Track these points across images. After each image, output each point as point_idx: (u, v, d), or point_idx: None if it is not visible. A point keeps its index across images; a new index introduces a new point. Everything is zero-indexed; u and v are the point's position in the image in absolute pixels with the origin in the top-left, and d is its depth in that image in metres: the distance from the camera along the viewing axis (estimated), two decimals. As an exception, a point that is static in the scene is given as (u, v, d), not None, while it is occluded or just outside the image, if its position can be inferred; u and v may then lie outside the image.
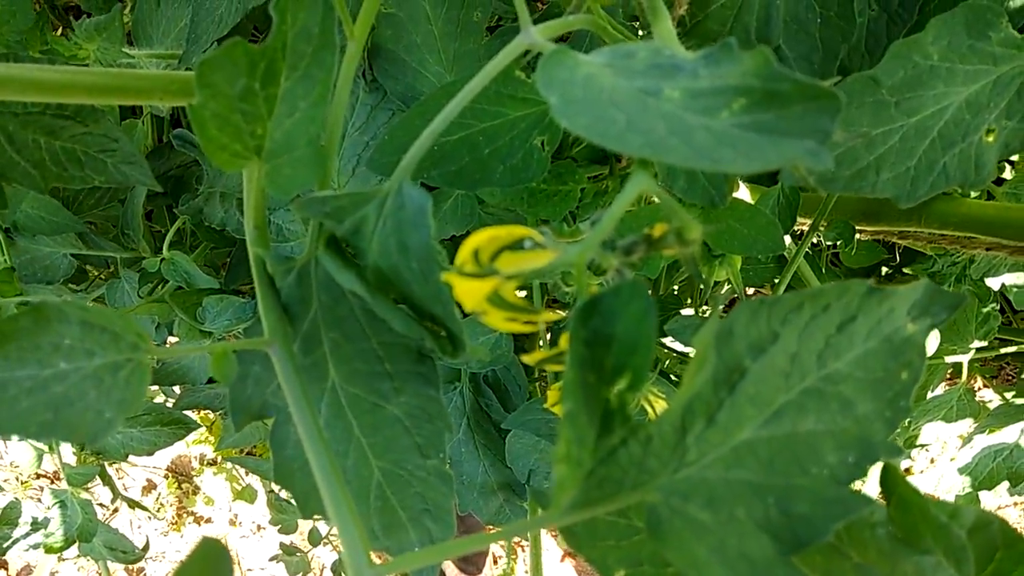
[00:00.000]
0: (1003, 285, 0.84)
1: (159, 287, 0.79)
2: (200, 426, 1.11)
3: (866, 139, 0.40)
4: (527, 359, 0.28)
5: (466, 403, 0.85)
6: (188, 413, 1.08)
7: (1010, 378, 1.69)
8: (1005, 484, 0.90)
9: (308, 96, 0.34)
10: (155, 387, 1.16)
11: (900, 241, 0.67)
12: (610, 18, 0.48)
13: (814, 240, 0.70)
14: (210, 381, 1.04)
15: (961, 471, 0.92)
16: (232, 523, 2.34)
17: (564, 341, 0.28)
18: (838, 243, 0.81)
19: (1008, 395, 0.94)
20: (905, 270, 0.98)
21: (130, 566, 2.25)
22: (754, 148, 0.25)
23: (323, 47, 0.33)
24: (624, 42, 0.33)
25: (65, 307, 0.31)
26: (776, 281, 0.93)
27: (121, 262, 0.86)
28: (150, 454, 1.00)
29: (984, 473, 0.86)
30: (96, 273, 0.96)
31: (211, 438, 2.05)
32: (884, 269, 1.34)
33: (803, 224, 0.62)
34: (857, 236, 0.63)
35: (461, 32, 0.56)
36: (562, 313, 0.27)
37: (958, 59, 0.39)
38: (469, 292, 0.25)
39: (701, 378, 0.24)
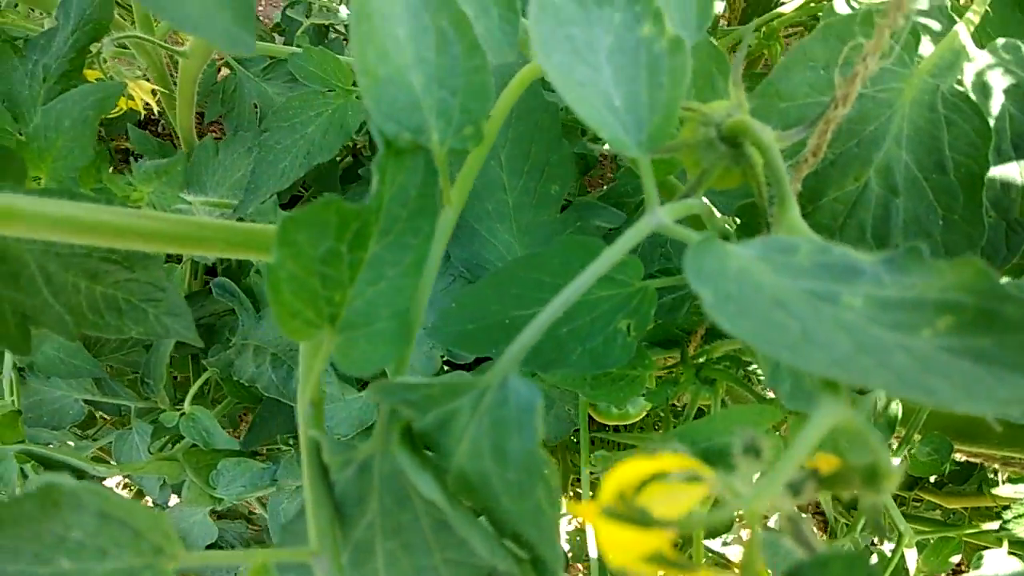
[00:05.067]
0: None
1: (171, 444, 0.73)
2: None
3: None
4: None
5: None
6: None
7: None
8: None
9: (398, 264, 0.29)
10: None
11: (1003, 468, 0.60)
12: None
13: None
14: (209, 547, 0.95)
15: None
16: None
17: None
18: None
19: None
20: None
21: None
22: (975, 382, 0.20)
23: (421, 212, 0.30)
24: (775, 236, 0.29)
25: (81, 492, 0.25)
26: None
27: (135, 411, 0.80)
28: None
29: None
30: (106, 419, 0.90)
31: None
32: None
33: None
34: (953, 455, 0.57)
35: (537, 204, 0.53)
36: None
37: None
38: (621, 544, 0.19)
39: None
